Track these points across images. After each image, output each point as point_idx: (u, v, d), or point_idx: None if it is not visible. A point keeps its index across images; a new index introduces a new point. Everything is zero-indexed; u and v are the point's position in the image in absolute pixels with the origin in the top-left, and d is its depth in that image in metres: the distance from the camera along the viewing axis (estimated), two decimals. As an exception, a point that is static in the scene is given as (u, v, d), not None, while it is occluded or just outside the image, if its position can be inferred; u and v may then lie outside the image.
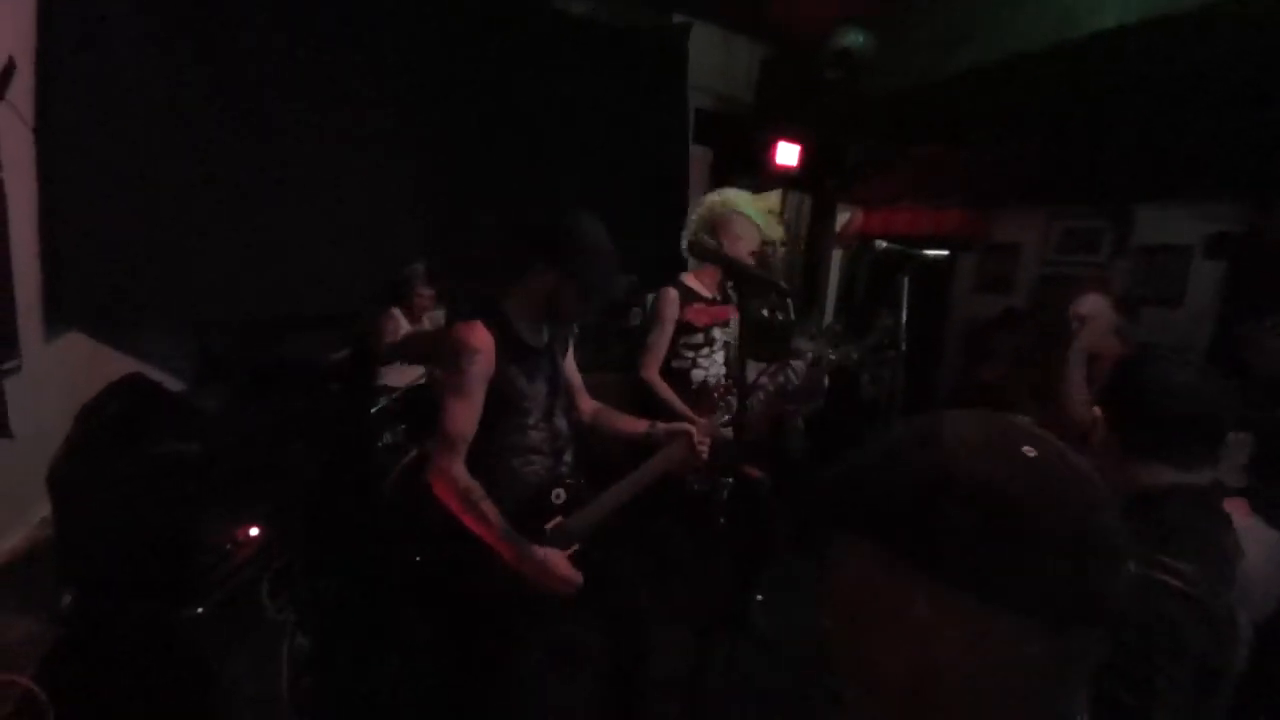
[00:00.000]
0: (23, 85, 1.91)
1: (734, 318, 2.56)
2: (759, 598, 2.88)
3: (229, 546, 1.42)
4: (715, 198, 2.45)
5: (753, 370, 2.69)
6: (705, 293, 2.48)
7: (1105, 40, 2.47)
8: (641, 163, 3.95)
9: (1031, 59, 2.71)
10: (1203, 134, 3.27)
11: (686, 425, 1.79)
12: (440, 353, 1.59)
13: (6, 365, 1.75)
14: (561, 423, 1.75)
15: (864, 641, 0.54)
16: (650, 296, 2.65)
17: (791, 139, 4.26)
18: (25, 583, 1.51)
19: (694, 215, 2.50)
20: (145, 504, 1.32)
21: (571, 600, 1.57)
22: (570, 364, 1.87)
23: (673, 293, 2.42)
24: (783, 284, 2.75)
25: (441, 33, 3.16)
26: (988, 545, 0.47)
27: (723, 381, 2.49)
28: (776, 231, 2.50)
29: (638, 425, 1.84)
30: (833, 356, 2.83)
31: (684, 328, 2.42)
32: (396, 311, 3.08)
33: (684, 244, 2.56)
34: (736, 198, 2.43)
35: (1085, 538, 0.47)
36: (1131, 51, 2.58)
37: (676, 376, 2.42)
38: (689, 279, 2.50)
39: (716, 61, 4.36)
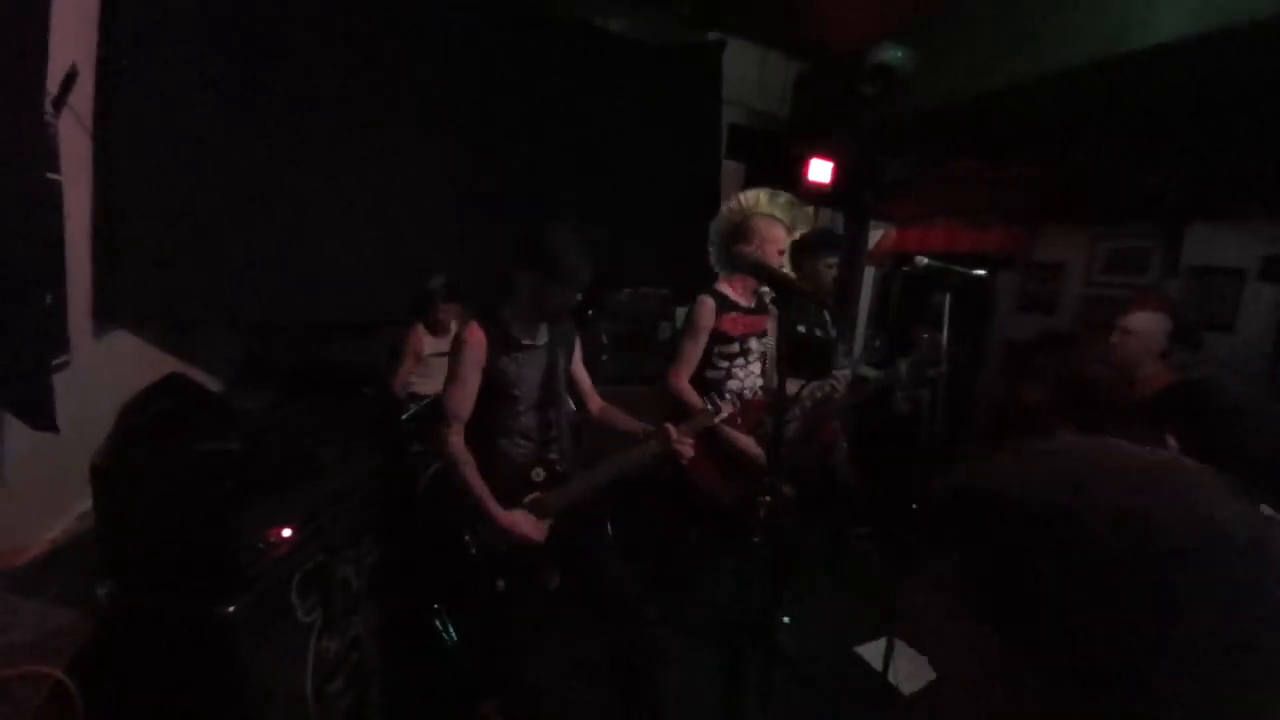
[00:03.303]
0: (83, 92, 1.98)
1: (770, 327, 2.50)
2: (786, 619, 2.79)
3: (263, 545, 1.42)
4: (733, 204, 2.36)
5: (792, 387, 2.65)
6: (741, 301, 2.41)
7: (1157, 54, 2.39)
8: (675, 177, 3.96)
9: (1078, 73, 2.64)
10: (1259, 151, 3.15)
11: (667, 425, 1.98)
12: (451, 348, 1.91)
13: (56, 362, 1.80)
14: (554, 414, 1.95)
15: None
16: (680, 310, 2.60)
17: (825, 155, 4.24)
18: (65, 575, 1.53)
19: (714, 225, 2.42)
20: (184, 499, 1.33)
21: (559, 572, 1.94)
22: (578, 366, 2.09)
23: (710, 301, 2.35)
24: (825, 298, 2.67)
25: (480, 50, 3.24)
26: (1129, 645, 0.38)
27: (758, 393, 2.42)
28: (805, 220, 2.41)
29: (634, 425, 2.05)
30: (880, 375, 2.75)
31: (719, 337, 2.36)
32: (420, 327, 3.05)
33: (712, 257, 2.49)
34: (755, 200, 2.33)
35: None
36: (1184, 66, 2.49)
37: (711, 386, 2.34)
38: (724, 287, 2.42)
39: (751, 77, 4.38)
